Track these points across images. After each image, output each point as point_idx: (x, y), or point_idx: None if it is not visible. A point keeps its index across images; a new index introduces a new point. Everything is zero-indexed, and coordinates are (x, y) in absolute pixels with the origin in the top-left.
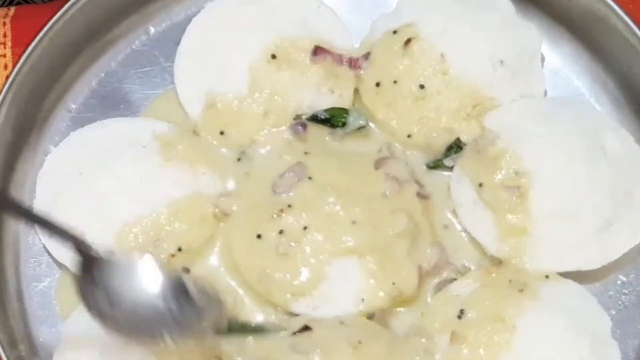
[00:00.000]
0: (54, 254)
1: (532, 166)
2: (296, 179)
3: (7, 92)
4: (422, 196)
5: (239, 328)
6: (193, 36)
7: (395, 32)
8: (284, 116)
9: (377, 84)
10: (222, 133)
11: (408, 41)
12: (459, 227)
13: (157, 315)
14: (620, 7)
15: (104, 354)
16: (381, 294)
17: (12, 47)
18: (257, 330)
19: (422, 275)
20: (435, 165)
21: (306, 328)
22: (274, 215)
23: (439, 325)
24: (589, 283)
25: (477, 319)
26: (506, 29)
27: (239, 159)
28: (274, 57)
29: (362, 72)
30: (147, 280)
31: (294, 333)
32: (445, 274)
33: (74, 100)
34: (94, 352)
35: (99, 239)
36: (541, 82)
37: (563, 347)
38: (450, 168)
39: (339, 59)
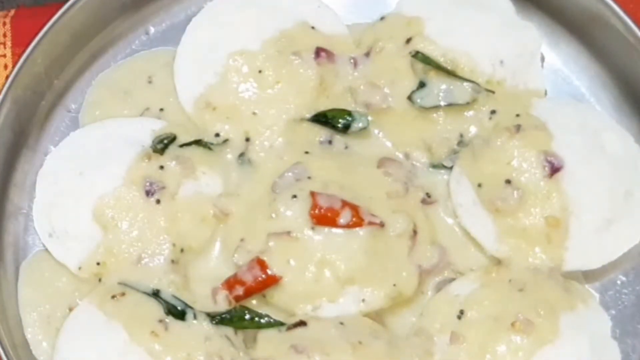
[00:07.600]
0: (54, 254)
1: None
2: (296, 179)
3: (7, 92)
4: (427, 203)
5: (247, 321)
6: (193, 36)
7: (395, 31)
8: (277, 114)
9: None
10: (217, 135)
11: (409, 40)
12: (459, 227)
13: None
14: (620, 6)
15: (103, 354)
16: (381, 294)
17: (12, 47)
18: (264, 324)
19: (422, 275)
20: (435, 165)
21: (301, 323)
22: (273, 215)
23: (439, 325)
24: (589, 283)
25: (477, 319)
26: (506, 29)
27: (238, 159)
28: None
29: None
30: None
31: (289, 327)
32: (445, 274)
33: (74, 100)
34: (93, 352)
35: (98, 239)
36: (541, 82)
37: (563, 346)
38: (450, 168)
39: (340, 59)
